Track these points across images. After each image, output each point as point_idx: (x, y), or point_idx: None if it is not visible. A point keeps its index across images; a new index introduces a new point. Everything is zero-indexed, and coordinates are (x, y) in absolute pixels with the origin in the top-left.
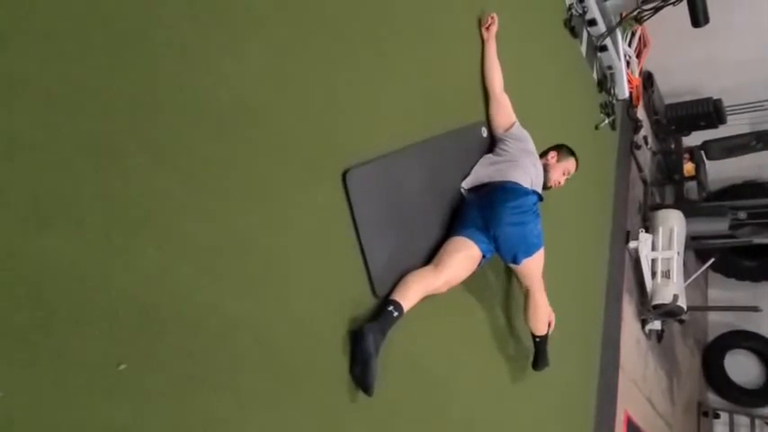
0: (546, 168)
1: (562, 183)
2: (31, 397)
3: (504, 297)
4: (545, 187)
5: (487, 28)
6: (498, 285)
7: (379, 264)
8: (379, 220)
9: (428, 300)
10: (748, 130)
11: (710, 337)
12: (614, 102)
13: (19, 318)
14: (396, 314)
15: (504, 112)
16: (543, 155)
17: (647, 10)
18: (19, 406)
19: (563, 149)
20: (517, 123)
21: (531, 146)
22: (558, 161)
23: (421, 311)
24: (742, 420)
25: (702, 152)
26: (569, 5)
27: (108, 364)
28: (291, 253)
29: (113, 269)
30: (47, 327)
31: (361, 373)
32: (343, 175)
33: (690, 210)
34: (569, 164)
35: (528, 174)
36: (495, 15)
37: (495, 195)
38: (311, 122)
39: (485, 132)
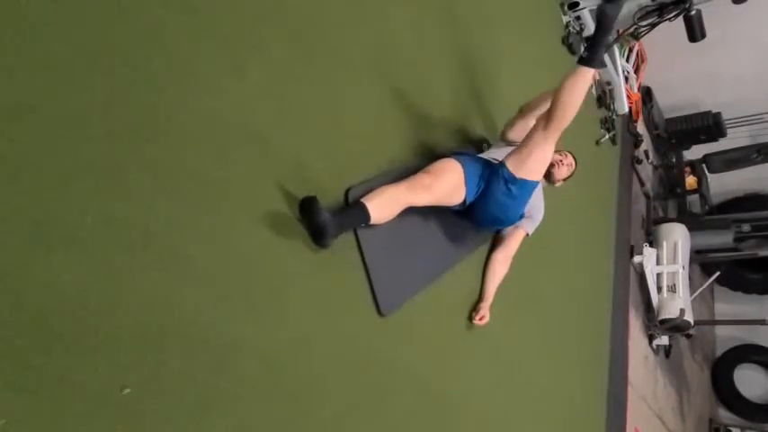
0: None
1: (564, 169)
2: (34, 424)
3: (512, 313)
4: (548, 174)
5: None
6: (507, 301)
7: (383, 281)
8: (382, 236)
9: (438, 322)
10: (748, 143)
11: (719, 352)
12: (614, 117)
13: (20, 342)
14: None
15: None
16: None
17: (643, 26)
18: None
19: None
20: None
21: None
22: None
23: (431, 334)
24: None
25: (704, 165)
26: (566, 23)
27: (112, 388)
28: (295, 273)
29: (116, 292)
30: (49, 351)
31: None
32: (346, 193)
33: (693, 223)
34: (561, 154)
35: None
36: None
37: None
38: (313, 143)
39: (486, 149)
